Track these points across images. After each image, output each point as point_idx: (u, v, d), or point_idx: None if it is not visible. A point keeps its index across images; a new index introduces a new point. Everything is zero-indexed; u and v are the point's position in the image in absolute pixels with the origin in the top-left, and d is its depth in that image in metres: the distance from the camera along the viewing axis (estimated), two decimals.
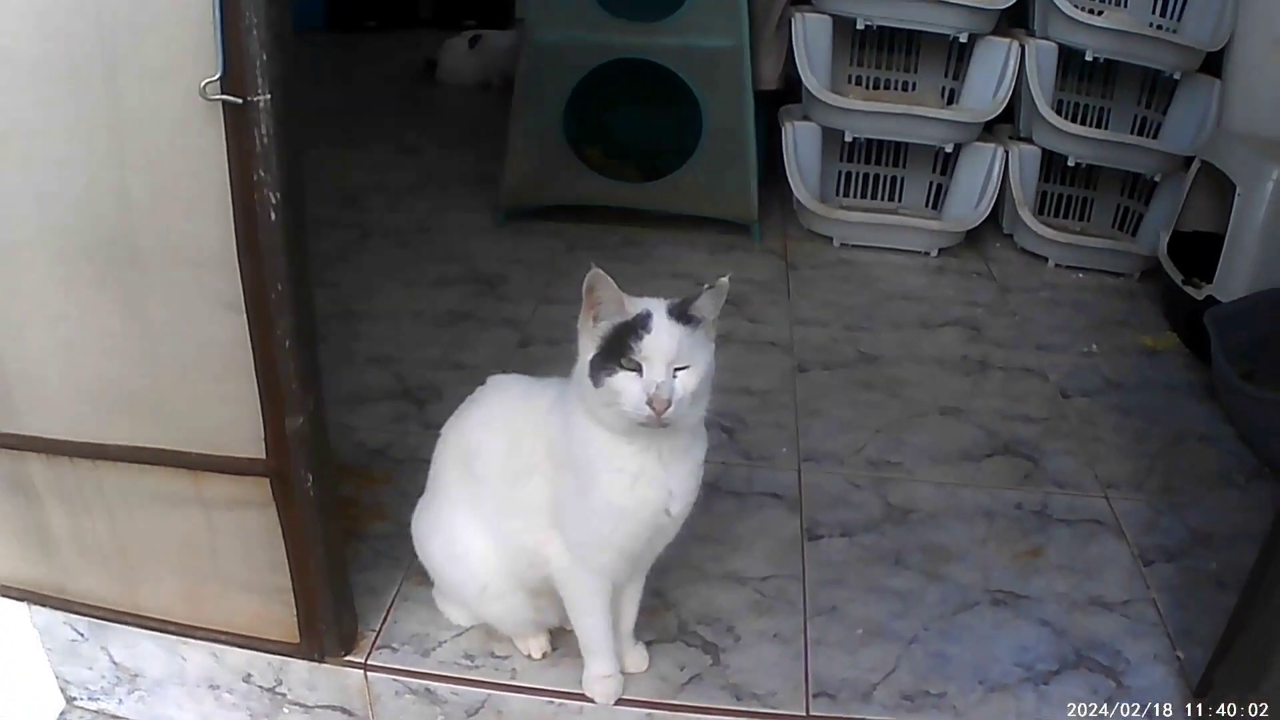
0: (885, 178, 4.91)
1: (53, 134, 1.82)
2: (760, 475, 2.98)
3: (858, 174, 4.91)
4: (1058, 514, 2.88)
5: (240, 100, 1.69)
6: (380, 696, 2.29)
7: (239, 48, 1.67)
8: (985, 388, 3.54)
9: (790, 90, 4.76)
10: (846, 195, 4.93)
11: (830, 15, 4.53)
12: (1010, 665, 2.34)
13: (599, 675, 2.18)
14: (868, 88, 4.82)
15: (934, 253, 4.63)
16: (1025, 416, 3.36)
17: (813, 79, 4.47)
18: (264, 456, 2.03)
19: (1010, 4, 4.36)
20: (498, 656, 2.30)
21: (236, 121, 1.72)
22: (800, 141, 4.65)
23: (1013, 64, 4.41)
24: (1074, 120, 4.53)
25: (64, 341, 2.01)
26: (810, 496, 2.90)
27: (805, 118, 4.68)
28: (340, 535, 2.23)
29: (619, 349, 1.78)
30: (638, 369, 1.77)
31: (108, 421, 2.08)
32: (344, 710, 2.34)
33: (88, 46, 1.73)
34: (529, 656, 2.29)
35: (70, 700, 2.55)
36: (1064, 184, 4.78)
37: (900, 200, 4.91)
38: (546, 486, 2.01)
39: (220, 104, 1.70)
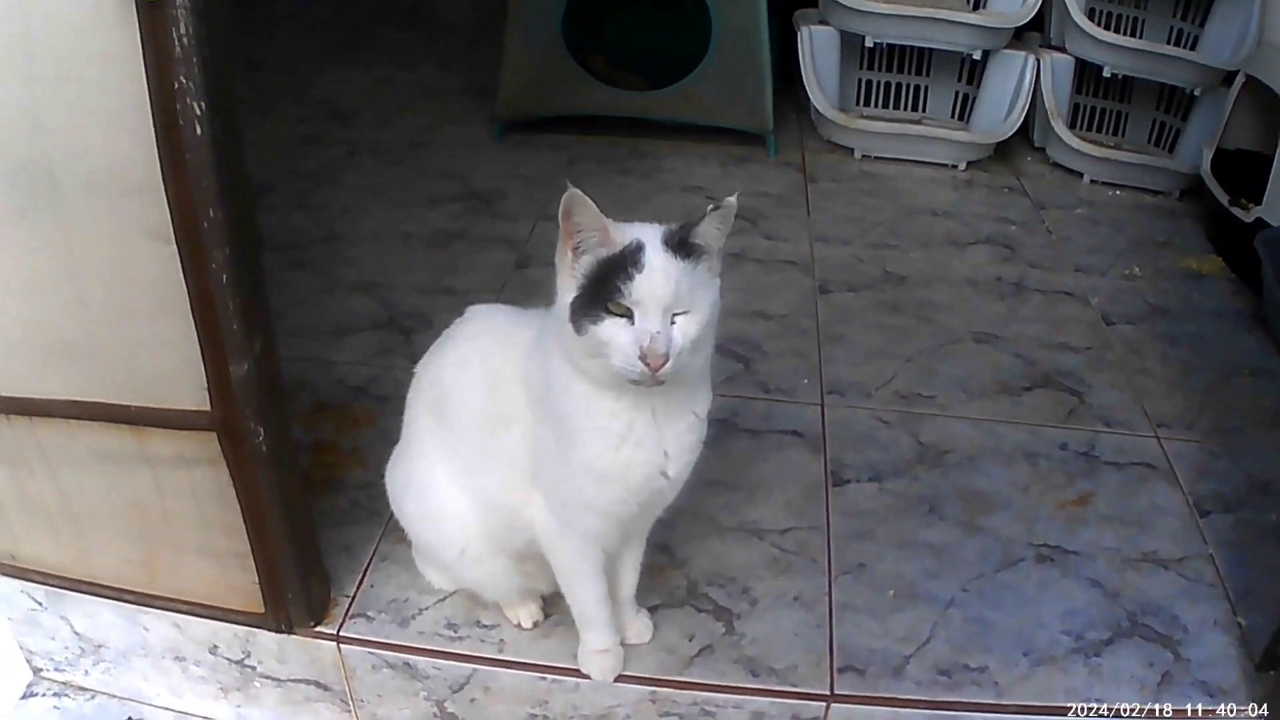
0: (909, 86, 4.60)
1: None
2: (780, 410, 2.73)
3: (879, 82, 4.60)
4: (1106, 456, 2.63)
5: None
6: (356, 670, 2.07)
7: None
8: (1022, 312, 3.27)
9: None
10: (868, 105, 4.65)
11: None
12: (1058, 633, 2.11)
13: (595, 649, 1.94)
14: None
15: (962, 166, 4.33)
16: (1066, 345, 3.10)
17: None
18: (208, 408, 1.78)
19: None
20: (484, 626, 2.06)
21: (151, 22, 1.45)
22: (817, 47, 4.36)
23: None
24: (1106, 30, 4.22)
25: None
26: (835, 435, 2.64)
27: (822, 21, 4.38)
28: (303, 494, 1.99)
29: (605, 291, 1.50)
30: (628, 315, 1.50)
31: (40, 374, 1.85)
32: (318, 684, 2.12)
33: None
34: (518, 626, 2.05)
35: (37, 671, 2.37)
36: (1097, 96, 4.44)
37: (924, 111, 4.62)
38: (527, 438, 1.76)
39: (132, 2, 1.44)
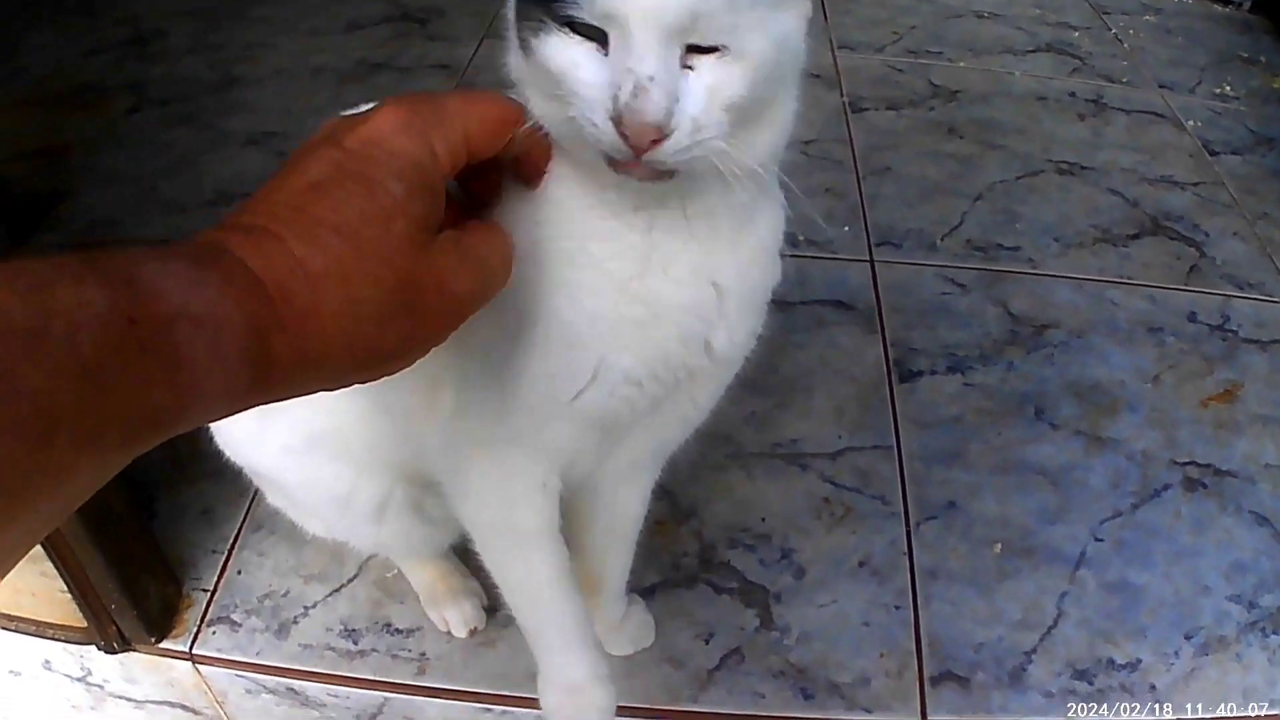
0: None
1: None
2: (816, 271, 2.04)
3: None
4: (1245, 330, 2.00)
5: None
6: (227, 694, 1.41)
7: None
8: (1108, 136, 2.60)
9: None
10: None
11: None
12: (1224, 600, 1.49)
13: (564, 684, 1.11)
14: None
15: None
16: (1169, 179, 2.45)
17: None
18: None
19: None
20: (398, 632, 1.39)
21: None
22: None
23: None
24: None
25: None
26: (894, 305, 1.97)
27: None
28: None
29: None
30: (600, 40, 0.68)
31: None
32: (185, 708, 1.48)
33: None
34: (449, 635, 1.38)
35: None
36: None
37: None
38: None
39: None
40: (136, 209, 2.20)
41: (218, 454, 1.55)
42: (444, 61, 2.79)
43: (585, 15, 0.67)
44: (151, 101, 2.61)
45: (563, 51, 0.69)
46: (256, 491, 1.47)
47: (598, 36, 0.68)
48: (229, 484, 1.51)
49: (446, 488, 1.03)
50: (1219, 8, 3.55)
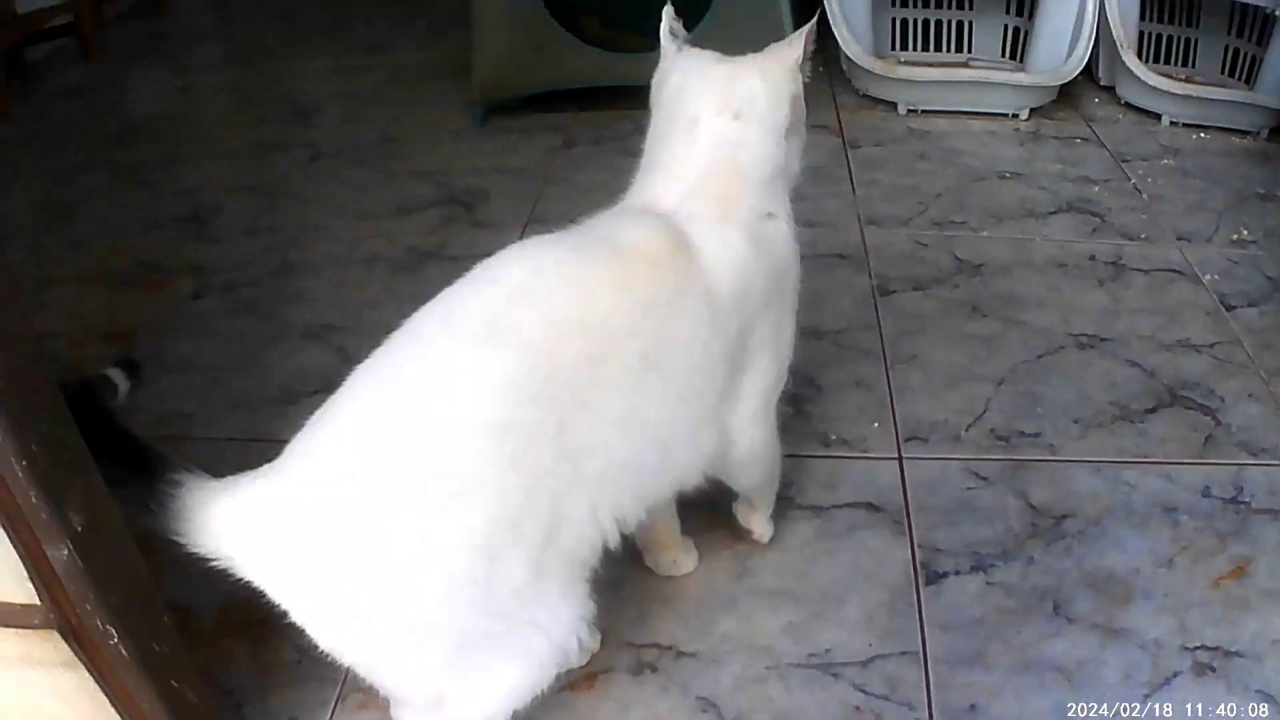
0: (949, 23, 4.06)
1: None
2: (847, 472, 2.13)
3: (915, 21, 4.07)
4: (1258, 501, 2.08)
5: None
6: None
7: None
8: (1127, 301, 2.70)
9: None
10: (904, 49, 4.09)
11: None
12: None
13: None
14: None
15: (1024, 114, 3.78)
16: (1186, 343, 2.54)
17: None
18: (39, 603, 1.23)
19: None
20: None
21: None
22: None
23: None
24: None
25: None
26: (921, 504, 2.06)
27: None
28: (204, 695, 1.43)
29: None
30: None
31: None
32: None
33: None
34: None
35: None
36: (1162, 21, 3.92)
37: (970, 51, 4.08)
38: (730, 348, 1.51)
39: None
40: (207, 402, 2.30)
41: (300, 662, 1.67)
42: (490, 249, 2.86)
43: None
44: (213, 287, 2.75)
45: None
46: (339, 698, 1.60)
47: None
48: (313, 691, 1.63)
49: (737, 450, 1.63)
50: (1236, 140, 3.62)
